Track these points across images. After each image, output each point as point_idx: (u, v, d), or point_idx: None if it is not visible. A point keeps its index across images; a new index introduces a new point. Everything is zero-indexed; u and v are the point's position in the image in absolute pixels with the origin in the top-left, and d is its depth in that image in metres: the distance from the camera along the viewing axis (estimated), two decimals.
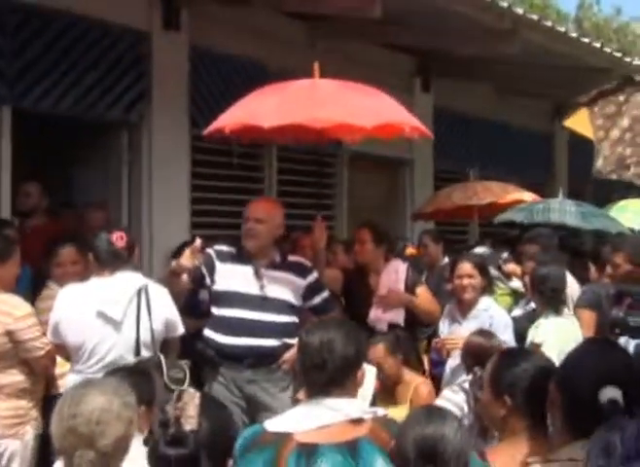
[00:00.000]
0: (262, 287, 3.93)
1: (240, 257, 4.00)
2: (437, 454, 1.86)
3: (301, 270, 4.02)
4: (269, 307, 3.90)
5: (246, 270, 3.96)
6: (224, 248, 4.04)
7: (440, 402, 3.57)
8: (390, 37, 6.95)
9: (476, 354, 3.51)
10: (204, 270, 3.98)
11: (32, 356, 3.57)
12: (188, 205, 6.04)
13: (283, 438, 2.06)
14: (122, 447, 1.74)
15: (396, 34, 6.79)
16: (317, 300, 4.04)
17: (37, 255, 4.23)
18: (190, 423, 1.66)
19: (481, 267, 4.36)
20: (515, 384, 2.22)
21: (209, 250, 4.00)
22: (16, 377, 3.58)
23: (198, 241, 3.81)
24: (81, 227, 5.03)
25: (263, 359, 3.85)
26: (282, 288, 3.95)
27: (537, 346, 3.94)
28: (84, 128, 5.78)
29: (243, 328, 3.87)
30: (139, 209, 5.76)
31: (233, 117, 4.00)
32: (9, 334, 3.51)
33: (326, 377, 2.12)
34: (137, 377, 2.41)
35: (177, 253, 5.29)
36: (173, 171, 5.87)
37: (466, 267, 4.35)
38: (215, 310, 3.97)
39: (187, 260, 3.78)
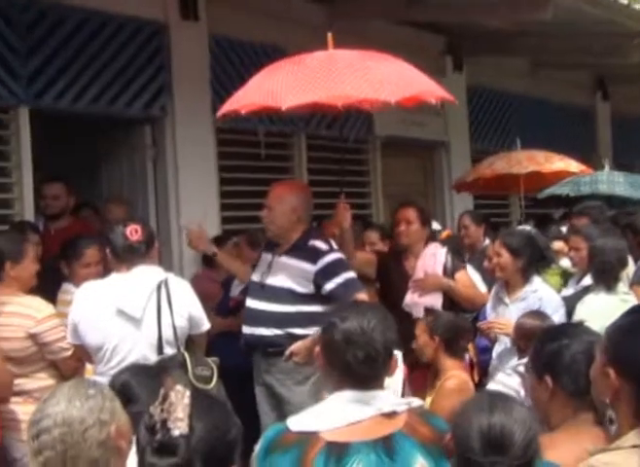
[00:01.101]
0: (263, 275, 3.83)
1: (272, 245, 3.94)
2: (506, 445, 1.64)
3: (313, 255, 3.74)
4: (268, 296, 3.77)
5: (266, 259, 3.90)
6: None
7: (493, 386, 3.32)
8: (414, 14, 6.68)
9: (530, 336, 3.29)
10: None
11: (58, 358, 3.46)
12: (217, 199, 5.89)
13: (309, 437, 1.86)
14: (108, 449, 1.58)
15: (420, 11, 6.52)
16: (330, 286, 3.69)
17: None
18: (179, 427, 1.42)
19: (512, 246, 4.04)
20: (555, 362, 2.01)
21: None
22: (44, 381, 3.46)
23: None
24: (101, 223, 4.89)
25: (268, 349, 3.75)
26: (285, 275, 3.76)
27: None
28: (106, 125, 5.65)
29: (251, 317, 3.83)
30: (167, 205, 5.62)
31: (249, 97, 3.80)
32: (32, 337, 3.40)
33: (366, 367, 1.90)
34: (143, 376, 2.20)
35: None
36: (200, 165, 5.72)
37: (494, 245, 4.12)
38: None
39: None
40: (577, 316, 3.83)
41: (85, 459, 1.59)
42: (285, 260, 3.81)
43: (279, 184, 4.16)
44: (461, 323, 3.82)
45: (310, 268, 3.73)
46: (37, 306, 3.43)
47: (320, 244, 3.80)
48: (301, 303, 3.72)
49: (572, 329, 2.20)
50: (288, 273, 3.76)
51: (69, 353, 3.45)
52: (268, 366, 3.77)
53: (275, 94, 3.58)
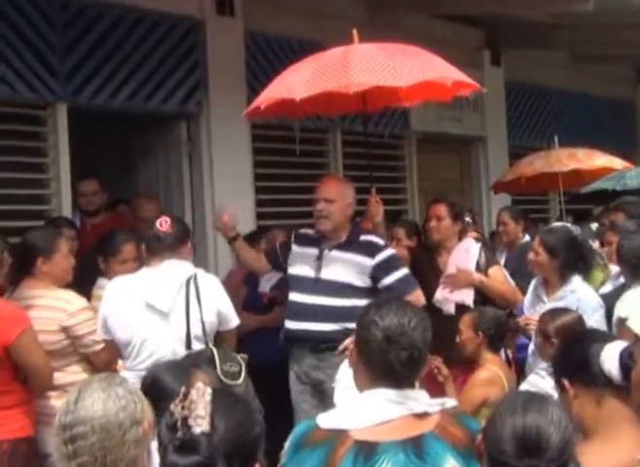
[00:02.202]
0: (317, 269, 3.80)
1: (314, 240, 3.91)
2: (542, 447, 1.59)
3: (369, 249, 3.81)
4: (324, 290, 3.75)
5: (312, 253, 3.85)
6: (306, 231, 3.97)
7: (525, 389, 3.26)
8: (452, 8, 6.61)
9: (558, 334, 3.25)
10: (279, 250, 3.96)
11: (91, 351, 3.48)
12: (252, 195, 5.89)
13: (338, 435, 1.82)
14: (143, 445, 1.60)
15: (458, 3, 6.44)
16: (389, 280, 3.78)
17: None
18: (200, 425, 1.40)
19: (550, 245, 3.94)
20: (565, 362, 2.00)
21: (293, 233, 3.98)
22: (78, 375, 3.46)
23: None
24: (134, 220, 4.91)
25: (321, 344, 3.71)
26: (342, 269, 3.78)
27: (622, 321, 3.57)
28: (142, 121, 5.69)
29: (301, 312, 3.77)
30: (202, 201, 5.64)
31: (267, 94, 3.85)
32: (64, 330, 3.42)
33: (407, 368, 1.85)
34: (177, 372, 2.19)
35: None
36: (235, 161, 5.72)
37: (534, 242, 4.07)
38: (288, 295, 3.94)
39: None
40: (619, 314, 3.73)
41: (124, 460, 1.61)
42: (339, 254, 3.81)
43: (332, 178, 4.19)
44: (506, 320, 3.78)
45: (368, 261, 3.79)
46: (69, 299, 3.45)
47: (376, 239, 3.90)
48: (358, 296, 3.71)
49: (585, 335, 2.17)
50: (344, 267, 3.77)
51: (101, 346, 3.46)
52: (318, 361, 3.74)
53: (291, 88, 3.63)
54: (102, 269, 3.97)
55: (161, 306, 3.25)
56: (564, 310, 3.50)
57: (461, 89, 3.95)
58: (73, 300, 3.46)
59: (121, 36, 5.19)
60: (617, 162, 6.60)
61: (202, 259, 5.29)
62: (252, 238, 5.08)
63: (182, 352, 3.21)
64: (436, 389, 3.36)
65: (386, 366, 1.85)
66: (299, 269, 3.87)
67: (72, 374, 3.46)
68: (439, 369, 3.67)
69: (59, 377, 3.43)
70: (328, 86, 3.58)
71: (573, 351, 2.05)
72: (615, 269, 4.40)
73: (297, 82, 3.65)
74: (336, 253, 3.81)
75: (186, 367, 2.40)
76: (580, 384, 1.98)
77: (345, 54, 3.73)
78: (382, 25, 6.27)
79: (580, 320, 3.40)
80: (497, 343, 3.68)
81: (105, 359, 3.50)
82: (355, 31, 3.90)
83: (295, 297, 3.85)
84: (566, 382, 1.99)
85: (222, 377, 3.12)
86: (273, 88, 3.84)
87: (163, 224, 3.35)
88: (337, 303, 3.72)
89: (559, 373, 2.05)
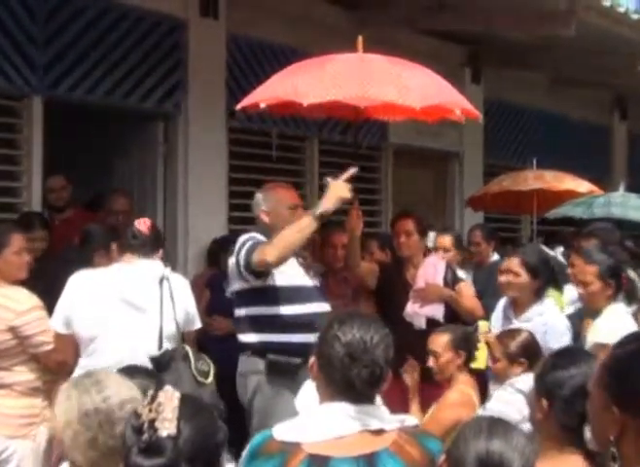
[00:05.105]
0: (311, 277, 3.68)
1: None
2: None
3: None
4: (325, 297, 3.68)
5: (290, 262, 3.58)
6: (263, 238, 3.69)
7: (497, 406, 3.22)
8: (438, 23, 6.65)
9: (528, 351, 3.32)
10: None
11: (40, 351, 3.37)
12: (225, 199, 5.85)
13: (291, 448, 1.80)
14: None
15: (444, 20, 6.48)
16: None
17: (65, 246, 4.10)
18: (167, 428, 1.40)
19: (531, 265, 3.91)
20: (555, 391, 2.00)
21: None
22: (24, 375, 3.37)
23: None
24: (106, 214, 4.86)
25: None
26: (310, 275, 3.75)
27: (602, 346, 3.57)
28: (119, 119, 5.63)
29: (313, 323, 3.40)
30: (175, 203, 5.59)
31: (270, 91, 3.73)
32: (11, 330, 3.31)
33: (368, 386, 1.83)
34: (143, 376, 2.14)
35: (215, 248, 5.16)
36: (210, 164, 5.68)
37: (511, 262, 3.96)
38: (278, 309, 3.52)
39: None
40: (594, 341, 3.72)
41: None
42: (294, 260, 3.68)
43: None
44: (475, 336, 3.77)
45: None
46: (18, 298, 3.35)
47: None
48: None
49: (583, 356, 2.15)
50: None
51: (51, 347, 3.36)
52: None
53: (298, 90, 3.51)
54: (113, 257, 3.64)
55: (139, 303, 3.25)
56: (516, 330, 3.52)
57: (455, 115, 3.84)
58: (22, 299, 3.35)
59: (102, 31, 5.13)
60: (583, 186, 6.71)
61: (172, 262, 5.22)
62: (223, 243, 5.04)
63: (153, 349, 3.19)
64: (399, 403, 3.33)
65: (347, 382, 1.83)
66: (294, 278, 3.60)
67: (18, 373, 3.38)
68: (413, 368, 3.55)
69: (5, 377, 3.35)
70: (339, 95, 3.47)
71: (558, 380, 2.03)
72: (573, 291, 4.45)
73: (305, 84, 3.51)
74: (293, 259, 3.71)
75: (151, 371, 2.34)
76: (552, 411, 2.00)
77: (359, 63, 3.64)
78: (366, 37, 6.28)
79: (533, 335, 3.44)
80: (469, 361, 3.65)
81: (56, 359, 3.39)
82: (360, 38, 3.86)
83: (297, 309, 3.53)
84: (544, 402, 1.99)
85: (196, 375, 3.11)
86: (277, 86, 3.70)
87: (143, 224, 3.35)
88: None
89: (542, 392, 2.04)
